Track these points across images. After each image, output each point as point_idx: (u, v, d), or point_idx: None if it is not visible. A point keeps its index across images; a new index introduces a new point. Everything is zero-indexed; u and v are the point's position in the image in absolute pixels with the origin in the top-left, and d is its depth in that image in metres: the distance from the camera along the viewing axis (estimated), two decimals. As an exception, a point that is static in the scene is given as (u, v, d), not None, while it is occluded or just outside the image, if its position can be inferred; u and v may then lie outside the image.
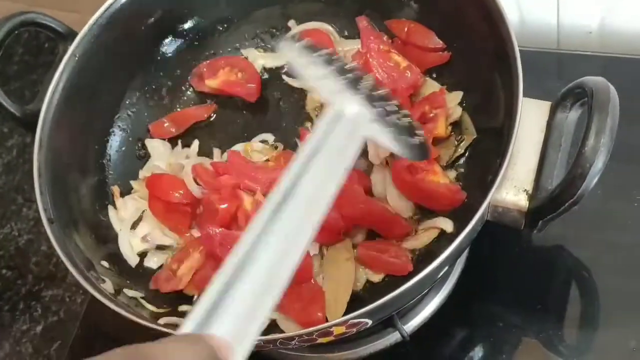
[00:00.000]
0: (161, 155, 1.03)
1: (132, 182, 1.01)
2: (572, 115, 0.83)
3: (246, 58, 1.11)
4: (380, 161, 0.93)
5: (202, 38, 1.12)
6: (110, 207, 0.98)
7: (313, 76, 0.74)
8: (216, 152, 1.02)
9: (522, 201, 0.79)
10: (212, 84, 1.07)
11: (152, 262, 0.94)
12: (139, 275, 0.92)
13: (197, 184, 0.96)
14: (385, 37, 1.03)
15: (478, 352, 0.91)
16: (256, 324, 0.50)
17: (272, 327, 0.84)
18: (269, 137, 1.03)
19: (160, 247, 0.95)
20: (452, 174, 0.92)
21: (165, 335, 0.47)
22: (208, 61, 1.10)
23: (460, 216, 0.86)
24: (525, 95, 0.79)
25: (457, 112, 0.94)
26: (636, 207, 0.96)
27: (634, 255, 0.93)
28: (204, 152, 1.03)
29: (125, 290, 0.87)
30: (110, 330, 1.03)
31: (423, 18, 1.02)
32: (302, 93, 1.07)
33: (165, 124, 1.06)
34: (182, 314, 0.86)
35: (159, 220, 0.96)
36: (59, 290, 1.10)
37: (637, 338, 0.88)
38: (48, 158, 0.90)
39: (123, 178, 1.02)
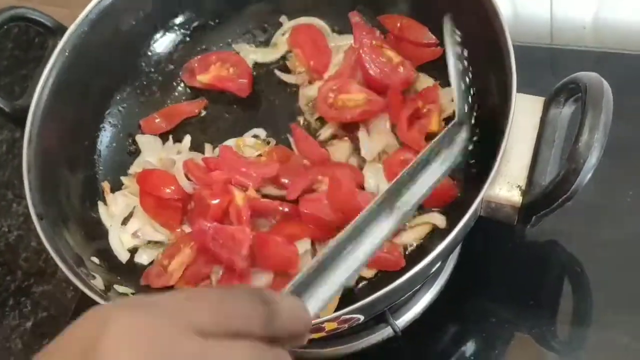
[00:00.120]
0: (152, 151, 1.02)
1: (123, 178, 1.00)
2: (565, 111, 0.82)
3: (238, 53, 1.10)
4: (373, 157, 0.93)
5: (193, 33, 1.11)
6: (100, 203, 0.98)
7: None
8: (208, 147, 1.02)
9: (516, 197, 0.79)
10: (203, 79, 1.07)
11: (142, 258, 0.93)
12: (130, 271, 0.92)
13: (189, 179, 0.95)
14: (378, 33, 1.03)
15: (470, 347, 0.91)
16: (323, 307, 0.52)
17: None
18: (261, 133, 1.02)
19: (151, 243, 0.94)
20: (445, 169, 0.92)
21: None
22: (199, 56, 1.09)
23: (453, 212, 0.86)
24: (518, 90, 0.78)
25: (450, 108, 0.94)
26: (629, 202, 0.96)
27: (627, 251, 0.93)
28: (196, 147, 1.03)
29: (116, 287, 0.87)
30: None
31: (416, 13, 1.01)
32: (294, 88, 1.06)
33: (156, 120, 1.06)
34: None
35: (149, 216, 0.95)
36: (48, 286, 1.09)
37: (630, 334, 0.88)
38: (37, 154, 0.89)
39: (113, 174, 1.01)
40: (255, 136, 1.02)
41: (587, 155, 0.71)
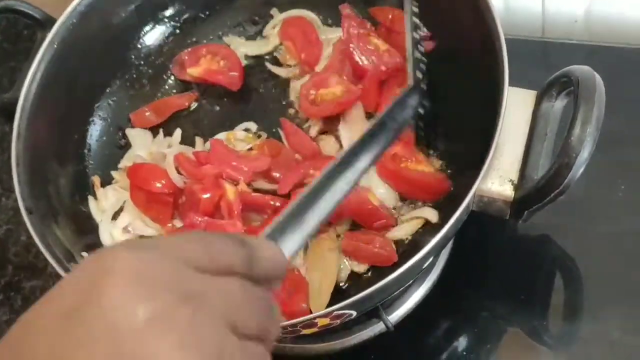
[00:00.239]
0: (142, 145, 1.02)
1: (113, 173, 1.00)
2: (557, 105, 0.82)
3: (228, 46, 1.09)
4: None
5: (183, 26, 1.10)
6: (90, 198, 0.97)
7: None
8: (198, 141, 1.01)
9: (508, 191, 0.79)
10: (194, 72, 1.06)
11: (133, 253, 0.93)
12: (120, 266, 0.91)
13: (179, 173, 0.94)
14: (369, 25, 1.02)
15: (462, 342, 0.91)
16: (299, 247, 0.55)
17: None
18: (252, 126, 1.02)
19: (141, 238, 0.94)
20: (437, 163, 0.91)
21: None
22: (189, 49, 1.09)
23: (445, 206, 0.86)
24: (509, 84, 0.78)
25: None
26: (621, 196, 0.96)
27: (619, 245, 0.93)
28: (186, 141, 1.02)
29: (107, 282, 0.86)
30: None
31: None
32: (285, 81, 1.05)
33: (147, 113, 1.05)
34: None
35: (140, 210, 0.94)
36: (39, 281, 1.08)
37: (621, 328, 0.88)
38: (26, 147, 0.88)
39: (103, 168, 1.00)
40: (247, 130, 1.02)
41: (579, 149, 0.71)
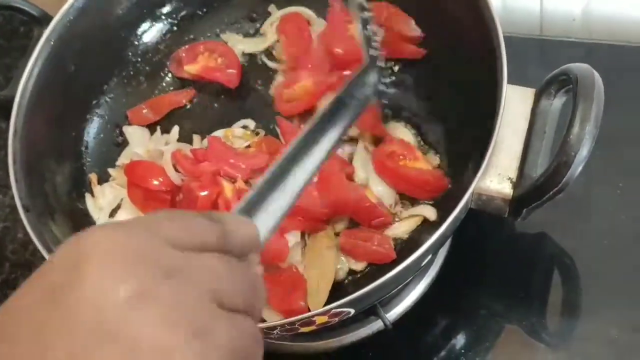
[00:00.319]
0: (140, 142, 1.01)
1: (110, 170, 0.99)
2: (556, 103, 0.82)
3: (226, 43, 1.09)
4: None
5: (180, 23, 1.10)
6: (87, 195, 0.97)
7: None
8: (196, 138, 1.01)
9: (506, 189, 0.79)
10: (191, 69, 1.05)
11: (131, 250, 0.92)
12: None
13: (177, 171, 0.94)
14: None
15: (461, 339, 0.91)
16: (276, 224, 0.56)
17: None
18: (250, 123, 1.01)
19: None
20: (435, 160, 0.91)
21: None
22: (187, 46, 1.08)
23: (443, 204, 0.86)
24: (507, 82, 0.78)
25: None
26: (619, 194, 0.96)
27: (616, 243, 0.93)
28: (184, 138, 1.02)
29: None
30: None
31: (403, 2, 1.01)
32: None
33: (144, 110, 1.04)
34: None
35: (137, 207, 0.94)
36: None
37: (619, 326, 0.88)
38: (23, 145, 0.88)
39: (100, 165, 1.00)
40: (244, 127, 1.01)
41: (578, 147, 0.71)
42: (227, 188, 0.90)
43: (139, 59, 1.07)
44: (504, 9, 1.16)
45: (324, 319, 0.73)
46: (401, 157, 0.90)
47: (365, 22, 0.82)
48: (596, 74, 0.75)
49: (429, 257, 0.79)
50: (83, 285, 0.37)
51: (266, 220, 0.54)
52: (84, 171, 0.99)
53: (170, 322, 0.37)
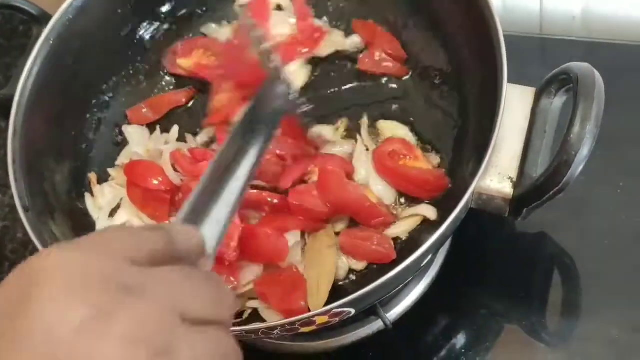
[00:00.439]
0: (139, 142, 1.01)
1: (110, 170, 0.99)
2: (556, 102, 0.82)
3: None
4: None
5: (180, 22, 1.10)
6: (87, 195, 0.96)
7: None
8: (189, 138, 1.00)
9: (507, 189, 0.79)
10: (184, 64, 1.05)
11: (131, 250, 0.92)
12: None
13: (176, 170, 0.94)
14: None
15: (461, 339, 0.91)
16: (221, 232, 0.56)
17: (254, 316, 0.83)
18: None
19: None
20: (435, 160, 0.91)
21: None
22: (185, 40, 1.08)
23: (444, 204, 0.86)
24: (507, 81, 0.77)
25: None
26: (619, 193, 0.96)
27: (617, 243, 0.93)
28: (184, 137, 1.01)
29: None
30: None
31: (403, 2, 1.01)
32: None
33: (143, 110, 1.04)
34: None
35: (137, 207, 0.94)
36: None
37: (619, 326, 0.88)
38: (23, 145, 0.87)
39: (100, 165, 1.00)
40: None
41: (578, 147, 0.71)
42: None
43: (139, 58, 1.07)
44: (504, 8, 1.16)
45: (325, 319, 0.73)
46: (401, 156, 0.90)
47: (258, 40, 0.83)
48: (597, 73, 0.75)
49: (429, 257, 0.79)
50: (34, 315, 0.36)
51: (210, 228, 0.54)
52: (83, 171, 0.98)
53: (129, 343, 0.36)
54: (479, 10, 0.84)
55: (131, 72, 1.07)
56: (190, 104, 1.06)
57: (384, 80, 0.99)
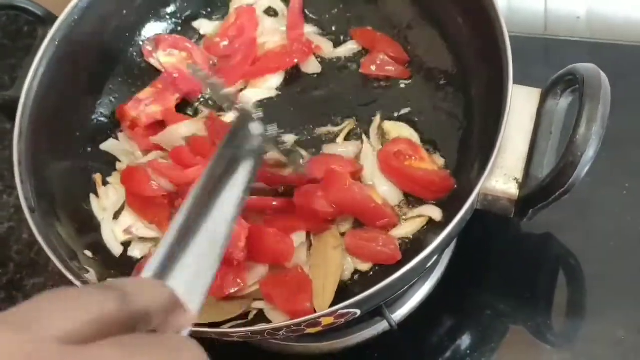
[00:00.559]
0: (122, 153, 1.00)
1: (109, 179, 0.98)
2: (562, 103, 0.82)
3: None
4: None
5: (184, 23, 1.10)
6: (92, 196, 0.96)
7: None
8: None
9: (512, 189, 0.79)
10: (161, 58, 1.04)
11: (136, 251, 0.92)
12: (124, 264, 0.90)
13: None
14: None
15: (466, 340, 0.91)
16: (205, 282, 0.52)
17: (260, 317, 0.83)
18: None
19: (143, 238, 0.93)
20: (441, 160, 0.91)
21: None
22: (173, 35, 1.07)
23: (449, 205, 0.86)
24: (512, 81, 0.78)
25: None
26: (625, 195, 0.96)
27: (622, 244, 0.93)
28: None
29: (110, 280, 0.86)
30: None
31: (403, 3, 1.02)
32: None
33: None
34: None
35: (137, 214, 0.93)
36: (41, 278, 1.08)
37: (625, 327, 0.88)
38: (28, 146, 0.88)
39: (105, 166, 0.99)
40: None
41: (584, 148, 0.71)
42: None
43: (143, 59, 1.07)
44: (509, 9, 1.16)
45: (330, 320, 0.73)
46: (407, 157, 0.89)
47: (214, 87, 0.81)
48: (603, 74, 0.75)
49: (435, 258, 0.79)
50: None
51: (186, 277, 0.50)
52: (88, 172, 0.98)
53: None
54: (484, 11, 0.84)
55: (136, 73, 1.07)
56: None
57: (388, 82, 0.99)
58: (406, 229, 0.87)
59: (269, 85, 1.02)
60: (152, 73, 1.07)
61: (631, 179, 0.97)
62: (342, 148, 0.94)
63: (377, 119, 0.95)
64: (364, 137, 0.95)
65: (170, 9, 1.09)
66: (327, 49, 1.03)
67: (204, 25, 1.09)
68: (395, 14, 1.03)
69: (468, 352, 0.90)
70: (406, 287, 0.85)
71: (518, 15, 1.17)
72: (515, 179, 0.79)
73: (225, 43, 1.05)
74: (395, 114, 0.96)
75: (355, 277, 0.87)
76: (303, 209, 0.87)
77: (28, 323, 0.36)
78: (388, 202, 0.89)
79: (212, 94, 0.82)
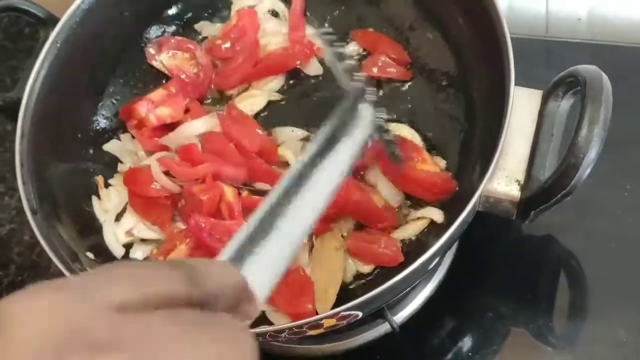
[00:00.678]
0: (125, 154, 1.00)
1: (110, 181, 0.98)
2: (564, 104, 0.82)
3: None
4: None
5: (187, 25, 1.10)
6: (94, 198, 0.96)
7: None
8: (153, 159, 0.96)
9: (514, 191, 0.79)
10: (165, 60, 1.05)
11: (137, 253, 0.92)
12: (125, 266, 0.90)
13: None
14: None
15: (468, 342, 0.91)
16: (277, 273, 0.51)
17: (262, 319, 0.83)
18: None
19: (145, 240, 0.93)
20: (442, 162, 0.91)
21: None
22: (176, 37, 1.07)
23: (451, 207, 0.86)
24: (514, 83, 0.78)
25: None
26: (626, 196, 0.96)
27: (624, 246, 0.93)
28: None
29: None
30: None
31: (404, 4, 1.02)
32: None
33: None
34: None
35: (139, 215, 0.93)
36: (42, 280, 1.07)
37: (626, 328, 0.88)
38: (30, 148, 0.88)
39: (107, 168, 0.99)
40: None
41: (586, 149, 0.71)
42: (228, 192, 0.89)
43: (145, 61, 1.07)
44: (510, 11, 1.16)
45: (332, 322, 0.73)
46: (409, 159, 0.89)
47: (338, 56, 0.78)
48: (604, 76, 0.75)
49: (437, 259, 0.78)
50: None
51: (260, 267, 0.48)
52: (90, 173, 0.98)
53: None
54: (485, 12, 0.84)
55: (137, 74, 1.07)
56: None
57: (390, 83, 0.99)
58: (408, 231, 0.87)
59: (270, 88, 1.02)
60: (153, 75, 1.07)
61: (632, 181, 0.97)
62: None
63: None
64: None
65: (172, 11, 1.09)
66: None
67: (205, 28, 1.09)
68: (396, 16, 1.03)
69: (469, 354, 0.90)
70: (408, 289, 0.85)
71: (519, 16, 1.17)
72: (517, 180, 0.79)
73: (227, 45, 1.04)
74: (397, 116, 0.96)
75: (357, 279, 0.87)
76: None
77: (85, 289, 0.35)
78: (389, 204, 0.89)
79: (330, 63, 0.79)
